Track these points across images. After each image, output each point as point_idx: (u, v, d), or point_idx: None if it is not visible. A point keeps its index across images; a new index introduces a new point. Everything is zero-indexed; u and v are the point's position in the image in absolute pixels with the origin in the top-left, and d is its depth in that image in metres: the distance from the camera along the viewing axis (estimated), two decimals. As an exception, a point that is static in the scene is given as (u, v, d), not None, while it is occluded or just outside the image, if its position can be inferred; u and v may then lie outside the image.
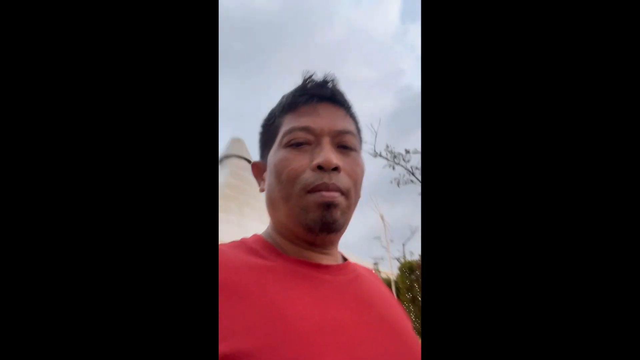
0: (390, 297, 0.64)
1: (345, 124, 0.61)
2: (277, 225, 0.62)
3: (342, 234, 0.63)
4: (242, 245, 0.60)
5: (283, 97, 0.64)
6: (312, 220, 0.56)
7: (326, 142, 0.58)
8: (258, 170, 0.68)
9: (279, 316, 0.47)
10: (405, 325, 0.58)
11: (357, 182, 0.60)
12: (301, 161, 0.57)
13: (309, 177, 0.56)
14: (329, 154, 0.56)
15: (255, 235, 0.64)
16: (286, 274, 0.54)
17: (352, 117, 0.65)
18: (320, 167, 0.56)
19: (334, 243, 0.62)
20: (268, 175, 0.62)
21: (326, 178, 0.55)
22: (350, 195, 0.58)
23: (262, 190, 0.66)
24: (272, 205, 0.61)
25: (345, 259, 0.66)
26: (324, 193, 0.55)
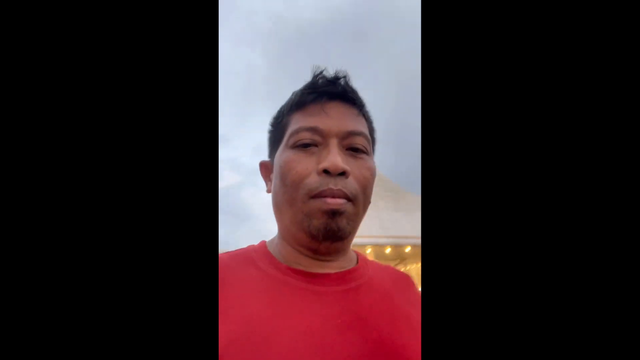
0: (407, 309, 0.57)
1: (356, 124, 0.57)
2: (282, 230, 0.59)
3: (350, 241, 0.58)
4: (242, 254, 0.58)
5: (292, 94, 0.60)
6: (315, 227, 0.52)
7: (334, 144, 0.54)
8: (266, 170, 0.65)
9: (258, 333, 0.45)
10: (410, 344, 0.51)
11: (366, 187, 0.56)
12: (307, 164, 0.54)
13: (313, 181, 0.52)
14: (335, 158, 0.52)
15: (261, 242, 0.62)
16: (275, 286, 0.52)
17: (365, 116, 0.60)
18: (326, 172, 0.52)
19: (340, 251, 0.58)
20: (274, 177, 0.59)
21: (332, 183, 0.52)
22: (358, 202, 0.54)
23: (268, 191, 0.63)
24: (276, 208, 0.59)
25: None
26: (329, 200, 0.51)
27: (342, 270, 0.57)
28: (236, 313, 0.47)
